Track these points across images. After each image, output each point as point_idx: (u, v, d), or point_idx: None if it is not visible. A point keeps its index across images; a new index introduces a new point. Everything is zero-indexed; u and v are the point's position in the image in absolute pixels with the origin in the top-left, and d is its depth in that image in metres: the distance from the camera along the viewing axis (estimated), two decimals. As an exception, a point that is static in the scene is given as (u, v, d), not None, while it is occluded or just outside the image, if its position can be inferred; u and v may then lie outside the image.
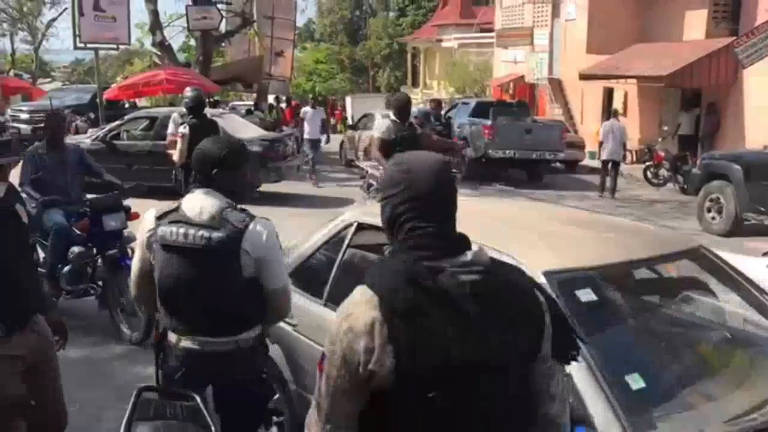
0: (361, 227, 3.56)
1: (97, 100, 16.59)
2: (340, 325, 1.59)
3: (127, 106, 19.34)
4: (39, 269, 5.82)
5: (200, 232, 2.62)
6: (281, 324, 3.27)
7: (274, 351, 3.46)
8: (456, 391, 1.56)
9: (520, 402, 1.65)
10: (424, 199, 1.64)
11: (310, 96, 19.36)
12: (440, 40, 37.36)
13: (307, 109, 16.21)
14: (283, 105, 21.75)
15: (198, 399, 2.59)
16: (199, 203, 2.69)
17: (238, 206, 2.74)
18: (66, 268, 5.62)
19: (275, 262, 2.74)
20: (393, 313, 1.54)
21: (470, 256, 1.63)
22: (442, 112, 13.64)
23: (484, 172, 15.09)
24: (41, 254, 5.89)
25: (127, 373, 4.87)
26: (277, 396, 3.59)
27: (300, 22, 34.30)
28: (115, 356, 5.33)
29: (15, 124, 20.26)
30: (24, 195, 5.82)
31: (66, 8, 30.09)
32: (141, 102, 20.60)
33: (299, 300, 3.47)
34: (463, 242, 1.66)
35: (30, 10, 31.83)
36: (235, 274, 2.65)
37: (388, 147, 6.70)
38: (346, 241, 3.56)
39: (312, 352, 3.29)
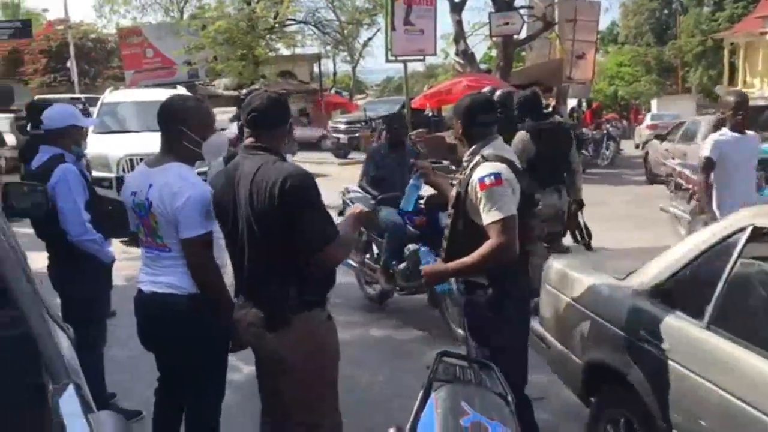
0: (759, 232, 2.71)
1: (405, 110, 17.68)
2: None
3: (430, 114, 20.38)
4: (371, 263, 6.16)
5: None
6: (648, 346, 2.89)
7: (637, 379, 2.94)
8: None
9: None
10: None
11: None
12: (765, 33, 33.56)
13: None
14: (584, 107, 21.18)
15: (496, 368, 2.69)
16: None
17: None
18: (401, 265, 5.59)
19: None
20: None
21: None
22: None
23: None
24: (375, 249, 6.11)
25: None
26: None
27: (602, 25, 33.14)
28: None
29: (335, 134, 22.59)
30: (359, 191, 6.19)
31: (379, 29, 32.88)
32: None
33: (671, 320, 2.88)
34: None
35: (350, 32, 35.27)
36: None
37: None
38: (737, 249, 2.73)
39: (688, 384, 2.67)
